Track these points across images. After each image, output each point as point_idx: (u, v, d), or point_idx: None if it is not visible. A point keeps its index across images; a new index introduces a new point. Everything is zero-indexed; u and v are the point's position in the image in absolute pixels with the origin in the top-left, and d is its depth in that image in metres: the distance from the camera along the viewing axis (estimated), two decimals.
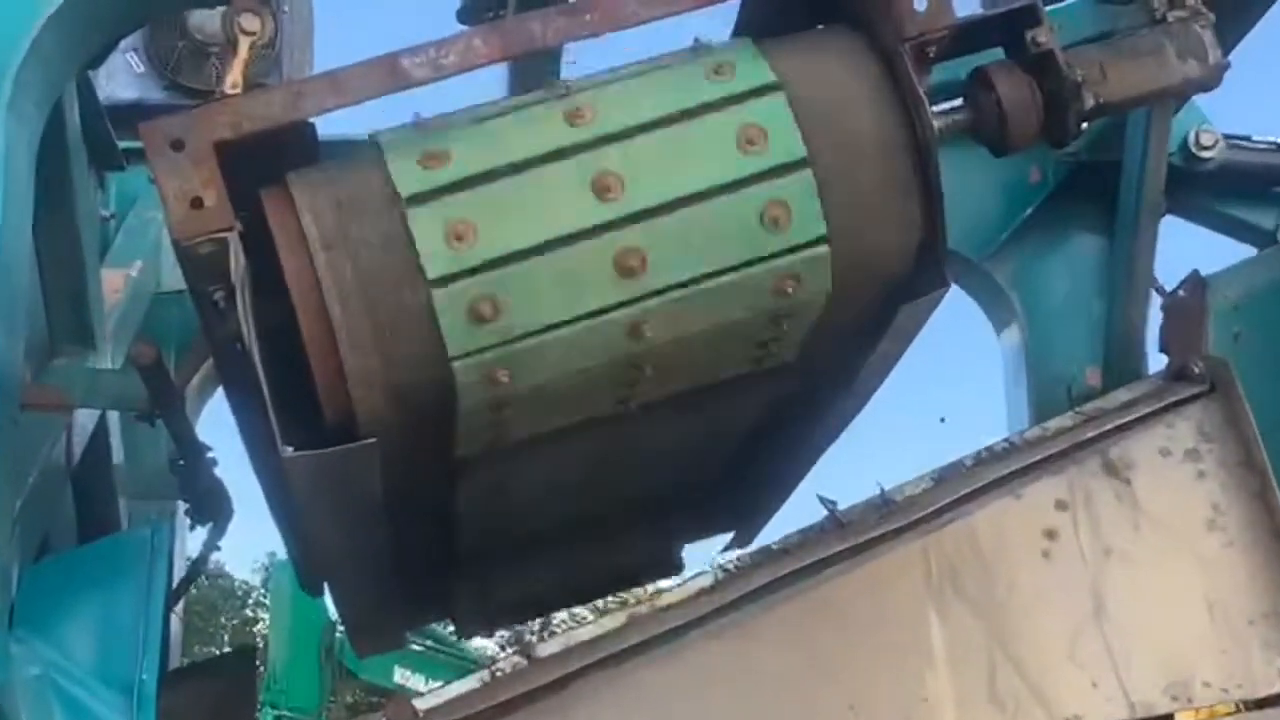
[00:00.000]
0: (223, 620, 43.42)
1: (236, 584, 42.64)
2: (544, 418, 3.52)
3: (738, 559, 4.57)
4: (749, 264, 3.32)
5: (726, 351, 3.54)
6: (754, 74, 3.38)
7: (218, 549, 5.44)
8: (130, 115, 4.35)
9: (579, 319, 3.27)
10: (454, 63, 3.33)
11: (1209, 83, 3.80)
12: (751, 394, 3.85)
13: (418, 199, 3.23)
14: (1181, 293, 5.52)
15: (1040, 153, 6.00)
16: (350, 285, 3.23)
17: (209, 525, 5.23)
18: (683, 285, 3.30)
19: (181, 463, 4.91)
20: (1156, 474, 4.80)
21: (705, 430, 4.03)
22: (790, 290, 3.37)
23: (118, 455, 5.79)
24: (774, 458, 4.37)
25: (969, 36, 3.55)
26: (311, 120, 3.35)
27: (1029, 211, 6.40)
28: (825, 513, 4.65)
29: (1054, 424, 4.83)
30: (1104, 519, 4.65)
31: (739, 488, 4.59)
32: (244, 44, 3.54)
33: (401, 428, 3.34)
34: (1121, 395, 4.99)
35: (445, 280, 3.21)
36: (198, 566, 5.80)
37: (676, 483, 4.38)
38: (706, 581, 4.53)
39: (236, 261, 3.19)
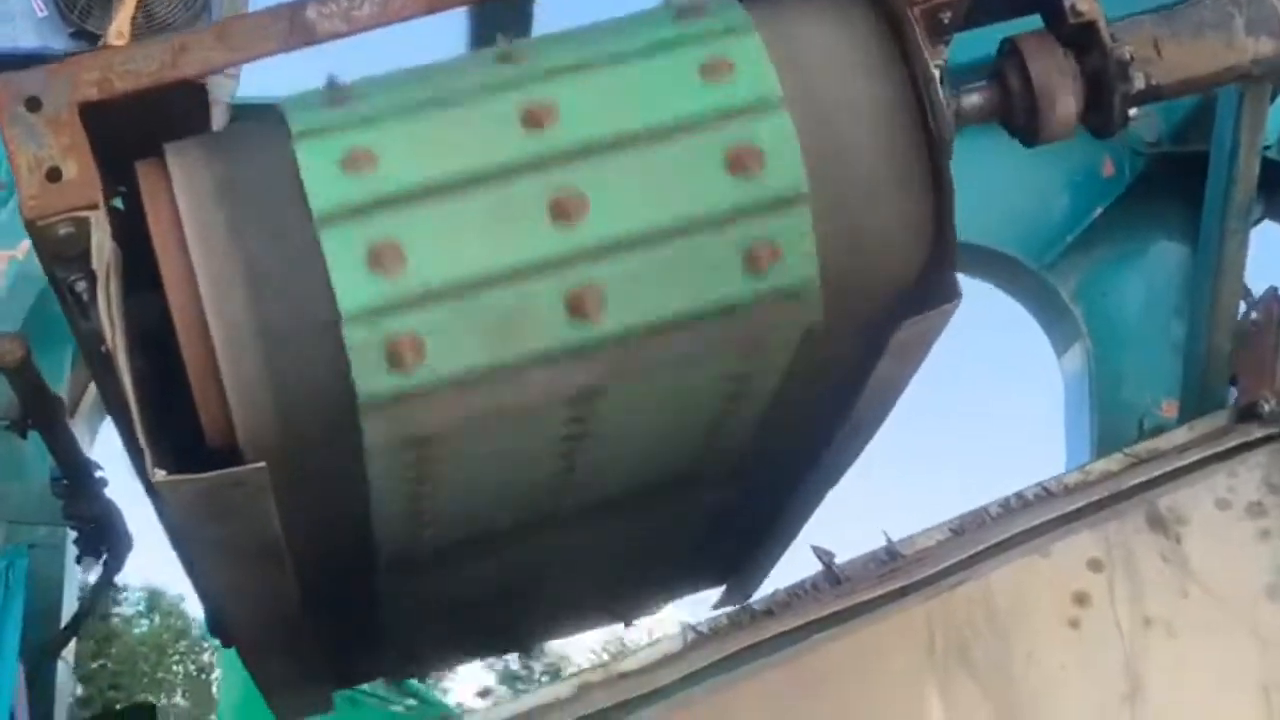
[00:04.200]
0: (175, 667, 43.30)
1: (192, 622, 41.99)
2: (475, 464, 3.53)
3: (711, 620, 4.51)
4: (725, 309, 3.34)
5: (690, 401, 3.59)
6: (755, 80, 3.35)
7: (114, 586, 5.44)
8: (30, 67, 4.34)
9: (518, 365, 3.28)
10: (369, 15, 3.34)
11: None
12: (731, 433, 3.85)
13: (333, 217, 3.20)
14: (1256, 314, 5.39)
15: (1116, 141, 5.95)
16: (234, 286, 3.21)
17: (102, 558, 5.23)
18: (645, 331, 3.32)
19: (65, 483, 4.91)
20: (1212, 531, 4.64)
21: (686, 469, 4.01)
22: (768, 333, 3.41)
23: None
24: (770, 502, 4.34)
25: (995, 2, 3.52)
26: (201, 81, 3.35)
27: (1099, 211, 6.37)
28: (820, 566, 4.60)
29: (1098, 467, 4.76)
30: (1146, 583, 4.52)
31: (731, 536, 4.55)
32: None
33: (298, 454, 3.32)
34: (1179, 435, 4.89)
35: (361, 315, 3.19)
36: (90, 605, 5.81)
37: (653, 529, 4.35)
38: (674, 647, 4.45)
39: (100, 246, 3.18)
